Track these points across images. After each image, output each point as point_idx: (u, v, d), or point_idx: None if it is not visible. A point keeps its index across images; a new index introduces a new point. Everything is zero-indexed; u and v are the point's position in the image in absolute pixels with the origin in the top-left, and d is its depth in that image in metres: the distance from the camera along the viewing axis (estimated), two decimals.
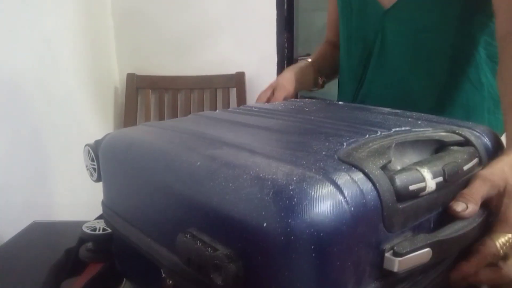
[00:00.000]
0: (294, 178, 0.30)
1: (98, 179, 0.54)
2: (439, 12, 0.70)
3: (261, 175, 0.31)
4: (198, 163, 0.35)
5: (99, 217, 0.63)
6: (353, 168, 0.32)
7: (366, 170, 0.32)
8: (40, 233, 0.80)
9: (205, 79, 1.63)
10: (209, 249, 0.31)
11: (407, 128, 0.45)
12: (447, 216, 0.37)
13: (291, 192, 0.28)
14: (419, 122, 0.49)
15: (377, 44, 0.77)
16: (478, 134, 0.45)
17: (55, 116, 1.27)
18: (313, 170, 0.31)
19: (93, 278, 0.54)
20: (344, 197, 0.29)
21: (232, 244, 0.30)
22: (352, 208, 0.29)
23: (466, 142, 0.43)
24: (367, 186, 0.31)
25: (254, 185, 0.30)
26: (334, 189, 0.29)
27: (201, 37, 1.66)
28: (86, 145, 0.54)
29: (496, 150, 0.45)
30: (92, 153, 0.52)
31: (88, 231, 0.56)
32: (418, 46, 0.73)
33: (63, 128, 1.30)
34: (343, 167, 0.32)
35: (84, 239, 0.56)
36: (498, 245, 0.39)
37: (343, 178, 0.31)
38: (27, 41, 1.16)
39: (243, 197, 0.30)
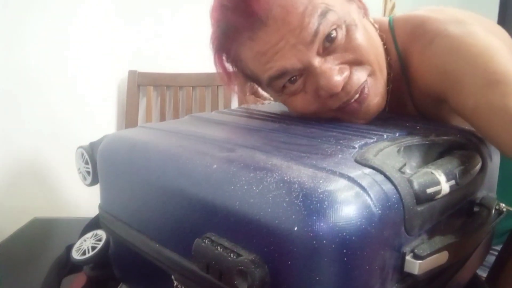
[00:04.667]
0: (321, 181, 0.29)
1: (92, 183, 0.51)
2: None
3: (285, 178, 0.30)
4: (214, 166, 0.34)
5: (89, 226, 0.59)
6: (373, 171, 0.32)
7: (387, 173, 0.32)
8: (41, 230, 0.79)
9: (206, 77, 1.61)
10: (231, 254, 0.30)
11: (409, 131, 0.45)
12: (457, 219, 0.38)
13: (321, 195, 0.28)
14: (417, 127, 0.49)
15: None
16: (479, 138, 0.46)
17: (56, 114, 1.29)
18: (337, 173, 0.31)
19: None
20: (372, 200, 0.29)
21: (255, 248, 0.30)
22: (380, 211, 0.29)
23: (469, 146, 0.44)
24: (389, 188, 0.31)
25: (280, 188, 0.29)
26: (362, 192, 0.29)
27: (203, 34, 1.63)
28: (80, 147, 0.52)
29: (495, 154, 0.47)
30: (87, 156, 0.50)
31: (79, 256, 0.51)
32: None
33: (65, 125, 1.31)
34: (364, 170, 0.32)
35: (78, 265, 0.53)
36: None
37: (367, 181, 0.30)
38: (27, 40, 1.17)
39: (270, 200, 0.29)
